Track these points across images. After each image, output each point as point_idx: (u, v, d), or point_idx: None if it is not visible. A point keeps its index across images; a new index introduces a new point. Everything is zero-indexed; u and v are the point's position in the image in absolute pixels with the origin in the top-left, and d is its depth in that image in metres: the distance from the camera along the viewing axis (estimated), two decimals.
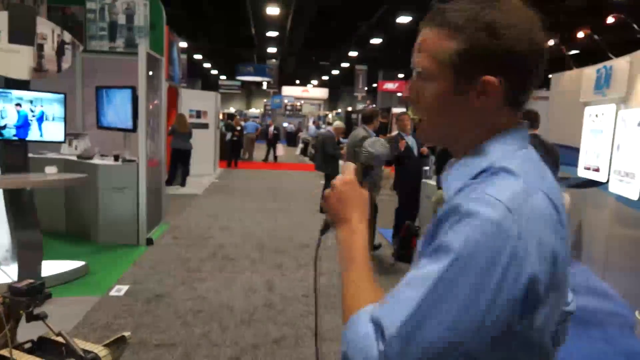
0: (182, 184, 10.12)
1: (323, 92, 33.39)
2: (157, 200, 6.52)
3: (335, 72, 28.88)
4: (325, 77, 32.77)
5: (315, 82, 34.79)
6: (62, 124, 4.41)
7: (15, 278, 4.01)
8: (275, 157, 17.92)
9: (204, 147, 11.66)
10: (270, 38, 20.57)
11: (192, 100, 12.02)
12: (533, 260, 0.67)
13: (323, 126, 18.66)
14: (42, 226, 5.87)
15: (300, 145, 20.97)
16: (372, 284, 0.82)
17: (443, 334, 0.66)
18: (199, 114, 12.30)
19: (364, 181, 0.97)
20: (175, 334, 3.44)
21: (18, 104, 4.18)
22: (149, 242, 5.73)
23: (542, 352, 0.73)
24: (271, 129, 18.47)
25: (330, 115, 26.76)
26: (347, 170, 0.97)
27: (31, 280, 2.88)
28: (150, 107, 5.95)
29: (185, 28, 15.13)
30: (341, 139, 7.98)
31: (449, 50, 0.75)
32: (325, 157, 7.37)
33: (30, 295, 2.76)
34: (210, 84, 30.03)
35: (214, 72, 32.05)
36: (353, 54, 22.16)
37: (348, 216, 0.90)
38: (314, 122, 23.41)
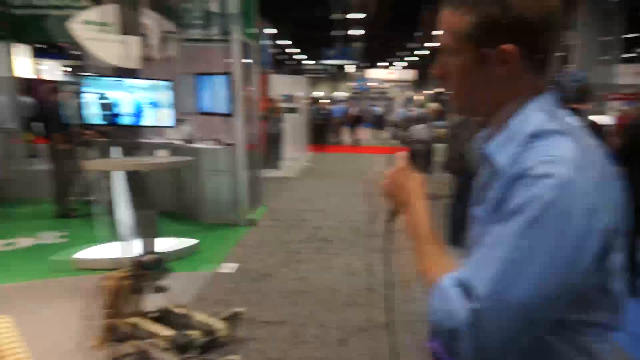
0: (276, 167, 10.36)
1: (410, 74, 32.52)
2: (256, 182, 6.70)
3: (422, 52, 28.00)
4: (411, 59, 31.90)
5: (401, 64, 34.00)
6: (171, 110, 4.61)
7: (135, 253, 4.31)
8: (356, 140, 17.77)
9: (294, 131, 11.84)
10: (355, 20, 20.33)
11: (281, 85, 12.23)
12: (605, 211, 0.73)
13: (412, 108, 18.14)
14: (166, 207, 6.36)
15: (389, 128, 20.63)
16: (445, 255, 0.87)
17: (531, 288, 0.70)
18: (288, 99, 12.48)
19: (416, 163, 1.04)
20: (282, 313, 3.51)
21: (132, 92, 4.42)
22: (251, 223, 5.91)
23: (616, 298, 0.80)
24: (351, 111, 18.35)
25: (416, 98, 26.02)
26: (398, 158, 1.03)
27: (155, 256, 3.09)
28: (244, 92, 6.09)
29: (270, 13, 15.37)
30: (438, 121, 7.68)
31: (466, 24, 0.82)
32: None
33: (155, 269, 2.97)
34: (296, 69, 30.47)
35: (300, 56, 32.45)
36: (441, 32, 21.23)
37: (406, 199, 0.98)
38: (401, 105, 22.90)
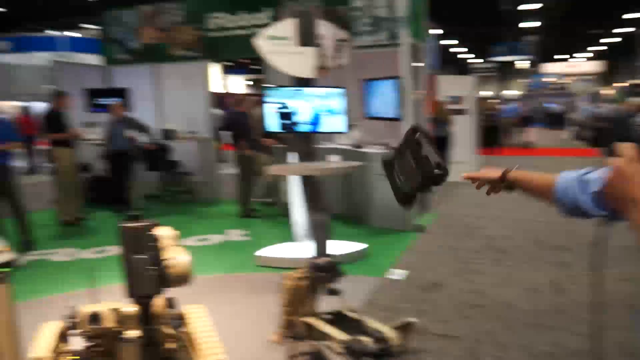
0: None
1: (594, 66, 28.75)
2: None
3: (610, 40, 24.49)
4: (597, 48, 28.16)
5: (583, 55, 30.25)
6: (344, 116, 4.72)
7: (310, 254, 4.50)
8: (527, 143, 16.16)
9: (463, 133, 11.32)
10: (527, 12, 18.66)
11: (448, 85, 11.78)
12: None
13: (601, 104, 15.94)
14: (334, 209, 6.62)
15: (572, 128, 18.44)
16: None
17: None
18: (455, 100, 11.99)
19: None
20: (456, 326, 3.32)
21: (309, 100, 4.64)
22: (420, 229, 5.76)
23: None
24: (521, 110, 16.80)
25: (604, 92, 22.85)
26: (626, 150, 0.92)
27: (330, 259, 3.15)
28: (413, 96, 5.96)
29: (437, 13, 14.94)
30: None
31: None
32: (620, 139, 6.17)
33: (329, 271, 3.03)
34: (463, 69, 29.25)
35: (467, 55, 31.08)
36: (632, 15, 18.31)
37: (638, 196, 0.87)
38: (586, 101, 20.34)
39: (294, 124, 4.53)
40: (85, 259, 4.94)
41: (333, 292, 2.97)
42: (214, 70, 20.90)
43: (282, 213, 6.10)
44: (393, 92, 5.74)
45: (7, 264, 4.52)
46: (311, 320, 2.89)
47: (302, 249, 4.76)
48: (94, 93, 8.03)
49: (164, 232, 2.49)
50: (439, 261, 4.68)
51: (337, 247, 4.78)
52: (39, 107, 11.78)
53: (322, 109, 4.59)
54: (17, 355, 1.73)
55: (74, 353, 1.86)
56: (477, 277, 4.22)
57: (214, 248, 5.28)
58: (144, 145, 7.22)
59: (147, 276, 1.63)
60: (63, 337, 1.93)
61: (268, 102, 4.55)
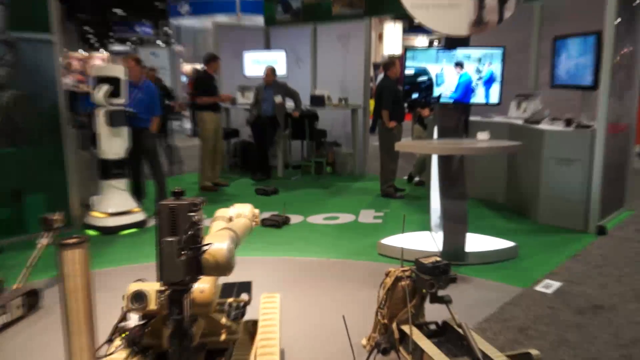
0: None
1: None
2: (619, 178, 5.67)
3: None
4: None
5: None
6: (499, 84, 4.32)
7: (437, 247, 4.30)
8: None
9: None
10: None
11: None
12: None
13: None
14: (481, 196, 6.29)
15: None
16: None
17: None
18: None
19: None
20: None
21: (459, 65, 4.35)
22: (601, 231, 5.05)
23: None
24: None
25: None
26: None
27: (437, 258, 2.94)
28: (618, 57, 5.13)
29: None
30: None
31: None
32: None
33: (434, 274, 2.83)
34: None
35: None
36: None
37: None
38: None
39: (436, 92, 4.34)
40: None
41: (439, 300, 2.80)
42: (392, 30, 20.88)
43: (423, 195, 5.95)
44: (589, 53, 5.04)
45: (135, 224, 5.31)
46: (408, 329, 2.77)
47: (433, 241, 4.60)
48: (252, 56, 8.65)
49: (227, 212, 2.60)
50: (615, 277, 4.03)
51: (479, 242, 4.49)
52: None
53: (481, 76, 4.30)
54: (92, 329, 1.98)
55: (125, 331, 2.06)
56: None
57: (339, 229, 5.36)
58: (292, 112, 7.59)
59: (176, 261, 1.69)
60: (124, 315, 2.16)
61: (410, 67, 4.41)
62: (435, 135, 4.56)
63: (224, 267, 1.88)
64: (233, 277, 3.23)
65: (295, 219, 5.63)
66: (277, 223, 5.33)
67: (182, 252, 1.80)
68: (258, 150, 7.77)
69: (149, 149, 5.75)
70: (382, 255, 4.47)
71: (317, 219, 5.68)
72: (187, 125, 14.80)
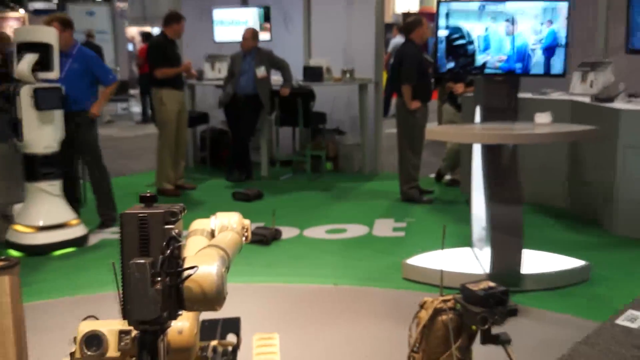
0: None
1: None
2: None
3: None
4: None
5: None
6: (562, 49, 4.32)
7: (483, 270, 4.28)
8: None
9: None
10: None
11: None
12: None
13: None
14: (535, 199, 6.27)
15: None
16: None
17: None
18: None
19: None
20: None
21: (511, 24, 4.33)
22: None
23: None
24: None
25: None
26: None
27: (490, 284, 2.93)
28: None
29: None
30: None
31: None
32: None
33: (487, 305, 2.81)
34: None
35: None
36: None
37: None
38: None
39: (479, 60, 4.34)
40: None
41: (494, 339, 2.79)
42: None
43: (467, 199, 5.94)
44: None
45: (73, 241, 5.26)
46: None
47: (476, 260, 4.59)
48: (224, 15, 8.62)
49: (208, 224, 2.56)
50: None
51: (538, 260, 4.50)
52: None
53: (541, 38, 4.30)
54: None
55: None
56: None
57: (347, 245, 5.34)
58: (279, 89, 7.57)
59: (149, 292, 1.64)
60: None
61: (443, 27, 4.40)
62: (477, 117, 4.54)
63: (213, 298, 1.83)
64: (215, 312, 3.14)
65: (288, 232, 5.63)
66: (265, 238, 5.30)
67: (158, 279, 1.74)
68: (234, 141, 7.75)
69: (88, 140, 5.70)
70: (408, 280, 4.45)
71: (317, 231, 5.70)
72: (135, 108, 14.79)
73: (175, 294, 1.77)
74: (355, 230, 5.73)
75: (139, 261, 1.72)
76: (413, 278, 4.43)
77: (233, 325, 2.78)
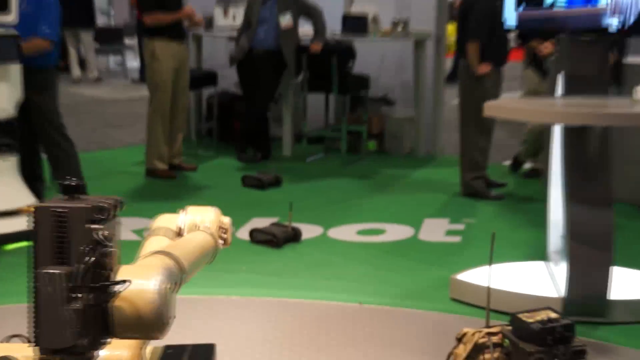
0: None
1: None
2: None
3: None
4: None
5: None
6: None
7: (563, 290, 4.20)
8: None
9: None
10: None
11: None
12: None
13: None
14: (629, 198, 6.14)
15: None
16: None
17: None
18: None
19: None
20: None
21: None
22: None
23: None
24: None
25: None
26: None
27: (552, 314, 2.87)
28: None
29: None
30: None
31: None
32: None
33: (544, 343, 2.76)
34: None
35: None
36: None
37: None
38: None
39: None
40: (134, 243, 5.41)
41: None
42: None
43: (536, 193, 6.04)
44: None
45: (20, 236, 5.32)
46: None
47: (549, 278, 4.54)
48: None
49: (174, 221, 2.54)
50: None
51: (632, 282, 4.43)
52: None
53: None
54: None
55: None
56: None
57: (384, 251, 5.36)
58: (309, 44, 7.54)
59: (63, 312, 1.63)
60: None
61: None
62: (559, 89, 4.46)
63: (150, 322, 1.80)
64: (190, 336, 3.13)
65: (308, 231, 5.64)
66: (275, 239, 5.31)
67: (76, 296, 1.71)
68: (249, 109, 7.78)
69: (45, 103, 5.75)
70: (457, 302, 4.42)
71: (346, 232, 5.72)
72: (133, 63, 14.95)
73: (101, 316, 1.74)
74: (396, 232, 5.73)
75: (51, 271, 1.69)
76: (463, 299, 4.39)
77: (204, 354, 2.76)
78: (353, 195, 6.72)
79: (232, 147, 8.02)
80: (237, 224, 5.63)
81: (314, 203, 6.30)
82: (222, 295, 4.44)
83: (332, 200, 6.50)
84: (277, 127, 8.07)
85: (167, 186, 6.85)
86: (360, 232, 5.70)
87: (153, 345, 2.44)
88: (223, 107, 8.53)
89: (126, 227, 5.29)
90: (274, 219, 5.65)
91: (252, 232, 5.39)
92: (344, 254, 5.27)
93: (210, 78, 8.53)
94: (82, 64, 14.29)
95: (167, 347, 2.79)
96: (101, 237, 1.76)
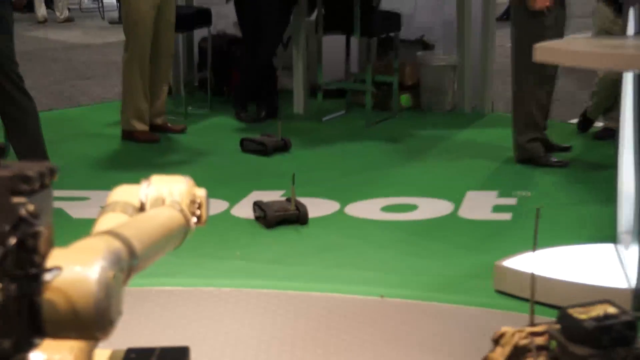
0: None
1: None
2: None
3: None
4: None
5: None
6: None
7: (633, 279, 4.19)
8: None
9: None
10: None
11: None
12: None
13: None
14: None
15: None
16: None
17: None
18: None
19: None
20: None
21: None
22: None
23: None
24: None
25: None
26: None
27: (610, 308, 2.87)
28: None
29: None
30: None
31: None
32: None
33: (599, 344, 2.77)
34: None
35: None
36: None
37: None
38: None
39: None
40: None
41: None
42: None
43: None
44: None
45: None
46: None
47: (618, 264, 4.55)
48: None
49: (135, 194, 2.55)
50: None
51: None
52: None
53: None
54: None
55: None
56: None
57: (415, 232, 5.40)
58: None
59: None
60: None
61: None
62: (630, 27, 4.42)
63: (89, 319, 1.79)
64: (170, 336, 3.14)
65: (321, 207, 5.70)
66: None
67: None
68: (251, 56, 7.79)
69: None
70: (503, 294, 4.43)
71: (367, 208, 5.76)
72: None
73: (28, 312, 1.74)
74: (430, 208, 5.77)
75: None
76: (510, 291, 4.39)
77: (176, 359, 2.79)
78: (379, 163, 6.74)
79: (230, 103, 8.06)
80: (234, 198, 5.71)
81: (330, 173, 6.36)
82: (211, 287, 4.47)
83: (353, 169, 6.55)
84: (286, 77, 8.09)
85: (147, 152, 6.90)
86: (386, 209, 5.73)
87: (112, 349, 2.46)
88: (219, 53, 8.56)
89: (95, 203, 5.38)
90: (280, 192, 5.68)
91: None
92: (364, 235, 5.30)
93: (202, 17, 8.53)
94: (49, 1, 14.38)
95: (130, 351, 2.81)
96: (26, 212, 1.76)
